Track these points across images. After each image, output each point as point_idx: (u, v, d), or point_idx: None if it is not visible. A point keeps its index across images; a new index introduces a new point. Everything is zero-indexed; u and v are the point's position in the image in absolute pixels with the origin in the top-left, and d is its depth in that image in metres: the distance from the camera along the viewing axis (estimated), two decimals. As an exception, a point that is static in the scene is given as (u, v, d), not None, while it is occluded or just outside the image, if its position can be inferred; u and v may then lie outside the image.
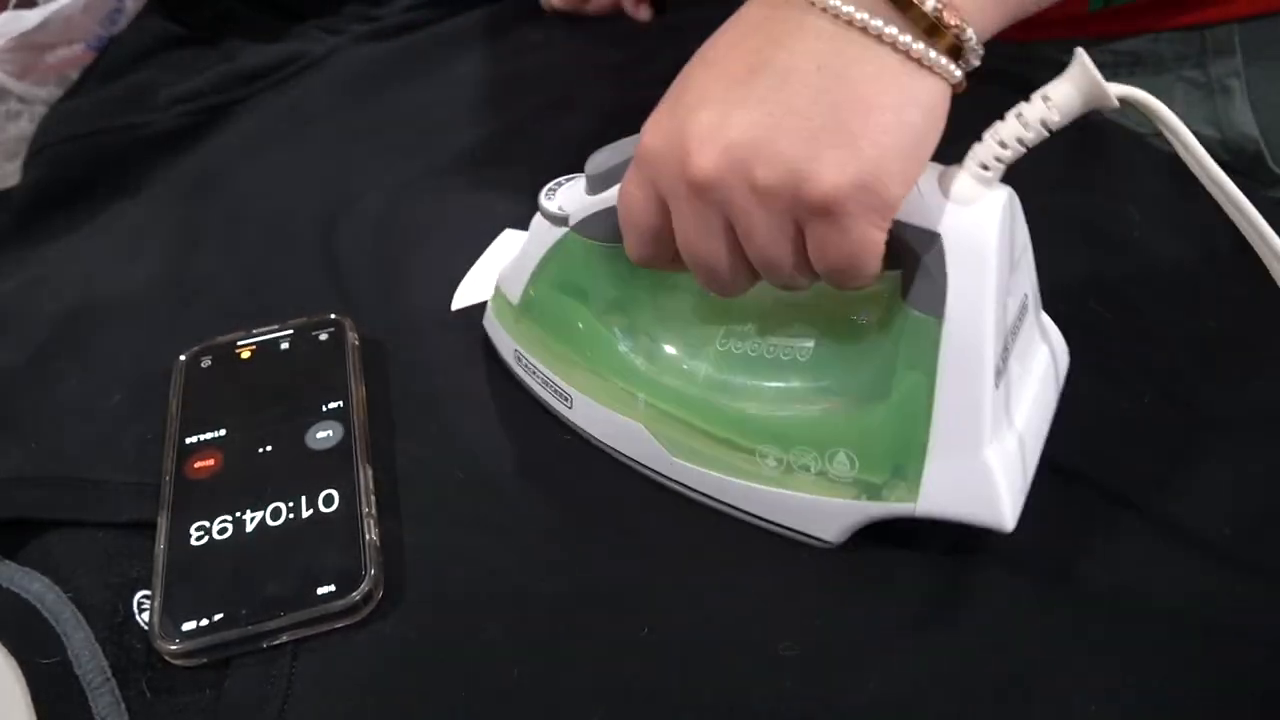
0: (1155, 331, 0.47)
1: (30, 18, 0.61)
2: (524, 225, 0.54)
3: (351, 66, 0.68)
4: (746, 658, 0.36)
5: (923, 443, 0.34)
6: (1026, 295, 0.36)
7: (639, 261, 0.36)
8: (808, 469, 0.37)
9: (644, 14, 0.71)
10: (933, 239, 0.32)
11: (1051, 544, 0.39)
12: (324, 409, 0.44)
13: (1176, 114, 0.30)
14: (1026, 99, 0.30)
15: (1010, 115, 0.31)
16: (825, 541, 0.38)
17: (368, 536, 0.38)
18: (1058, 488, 0.41)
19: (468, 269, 0.52)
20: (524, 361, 0.44)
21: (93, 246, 0.56)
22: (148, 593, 0.38)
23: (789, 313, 0.39)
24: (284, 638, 0.36)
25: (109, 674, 0.36)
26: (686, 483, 0.40)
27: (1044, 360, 0.38)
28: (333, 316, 0.48)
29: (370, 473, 0.41)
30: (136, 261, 0.55)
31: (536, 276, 0.43)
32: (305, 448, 0.42)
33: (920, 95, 0.30)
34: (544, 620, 0.37)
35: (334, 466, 0.41)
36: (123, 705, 0.35)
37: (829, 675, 0.35)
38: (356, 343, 0.47)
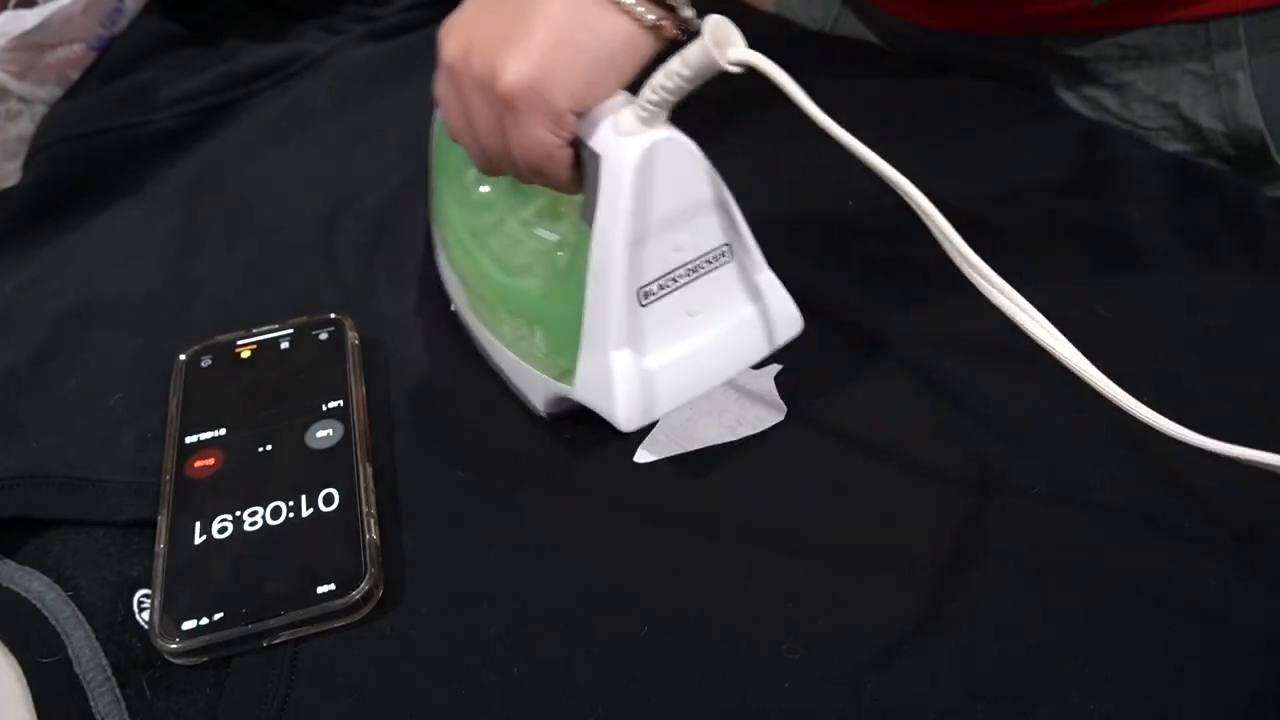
0: (1154, 331, 0.47)
1: (30, 18, 0.61)
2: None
3: (351, 66, 0.68)
4: (747, 658, 0.36)
5: (577, 335, 0.39)
6: (726, 247, 0.39)
7: (450, 136, 0.41)
8: (523, 339, 0.43)
9: None
10: (597, 159, 0.36)
11: (1051, 544, 0.39)
12: (324, 408, 0.44)
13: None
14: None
15: (662, 66, 0.34)
16: (537, 410, 0.44)
17: (368, 536, 0.38)
18: (1057, 487, 0.41)
19: (468, 269, 0.52)
20: (431, 222, 0.52)
21: (93, 246, 0.56)
22: (148, 592, 0.38)
23: (558, 210, 0.47)
24: (284, 637, 0.36)
25: (109, 673, 0.36)
26: (473, 331, 0.47)
27: (743, 314, 0.40)
28: (333, 316, 0.48)
29: (370, 472, 0.41)
30: (136, 261, 0.55)
31: (433, 148, 0.52)
32: (305, 447, 0.42)
33: (601, 27, 0.34)
34: (544, 620, 0.37)
35: (334, 466, 0.41)
36: (123, 704, 0.35)
37: (829, 676, 0.35)
38: (356, 342, 0.47)
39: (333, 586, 0.37)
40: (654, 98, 0.34)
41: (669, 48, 0.35)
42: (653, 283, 0.37)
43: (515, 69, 0.34)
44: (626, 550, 0.39)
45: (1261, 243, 0.51)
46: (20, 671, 0.36)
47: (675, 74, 0.34)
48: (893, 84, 0.64)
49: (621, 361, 0.38)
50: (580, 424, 0.42)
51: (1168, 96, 0.58)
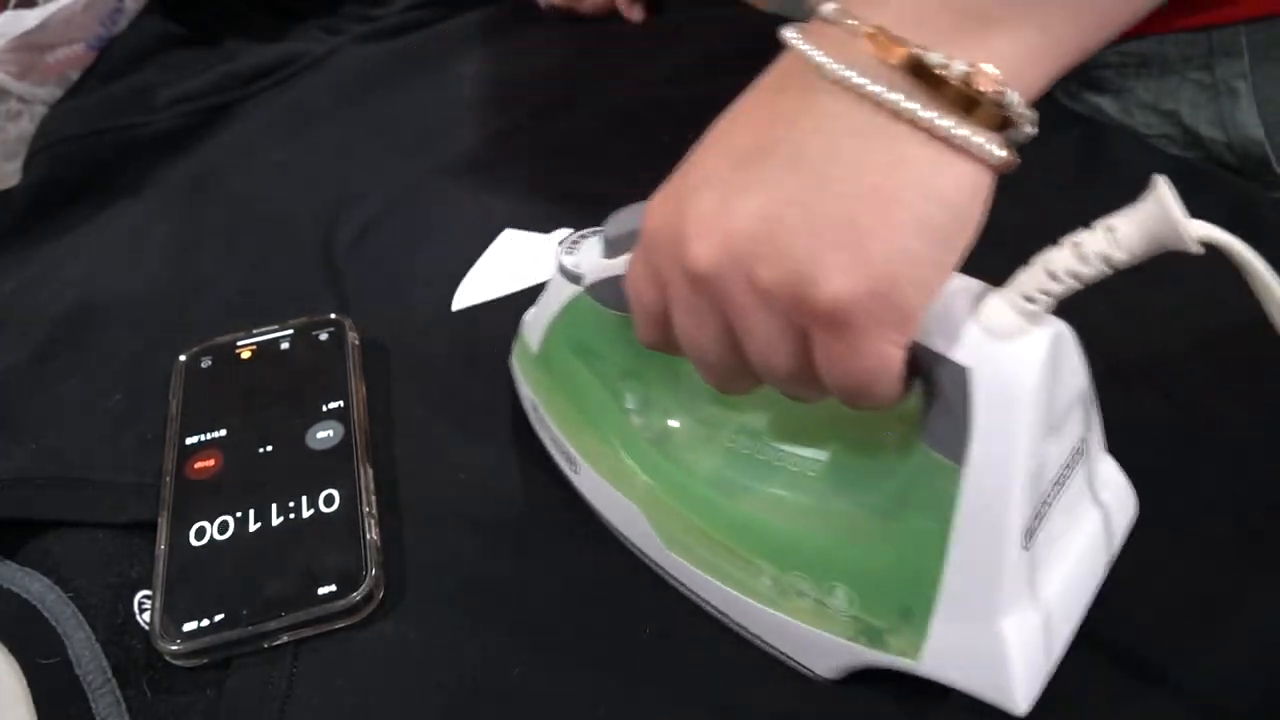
0: (1155, 331, 0.47)
1: (30, 18, 0.61)
2: (524, 225, 0.54)
3: (351, 66, 0.68)
4: (748, 659, 0.36)
5: (931, 597, 0.30)
6: (1081, 441, 0.31)
7: (645, 344, 0.33)
8: (804, 595, 0.33)
9: (637, 14, 0.71)
10: (958, 372, 0.27)
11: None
12: (324, 409, 0.44)
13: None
14: (1088, 226, 0.26)
15: (1066, 243, 0.26)
16: (819, 676, 0.35)
17: (368, 536, 0.38)
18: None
19: (468, 269, 0.52)
20: (538, 413, 0.42)
21: (93, 246, 0.56)
22: (148, 593, 0.38)
23: (806, 418, 0.35)
24: (284, 638, 0.36)
25: (110, 674, 0.36)
26: (680, 579, 0.37)
27: (1095, 518, 0.32)
28: (333, 316, 0.48)
29: (370, 473, 0.41)
30: (136, 261, 0.55)
31: (553, 330, 0.40)
32: (305, 448, 0.42)
33: (947, 185, 0.25)
34: (544, 620, 0.37)
35: (334, 466, 0.41)
36: (123, 705, 0.35)
37: (827, 683, 0.35)
38: (356, 343, 0.47)
39: (333, 587, 0.37)
40: (1055, 287, 0.26)
41: None
42: (1033, 517, 0.29)
43: (846, 274, 0.25)
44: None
45: (1263, 243, 0.51)
46: (20, 673, 0.36)
47: (1099, 257, 0.25)
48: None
49: (1016, 629, 0.29)
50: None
51: (1168, 104, 0.58)
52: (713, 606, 0.36)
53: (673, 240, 0.28)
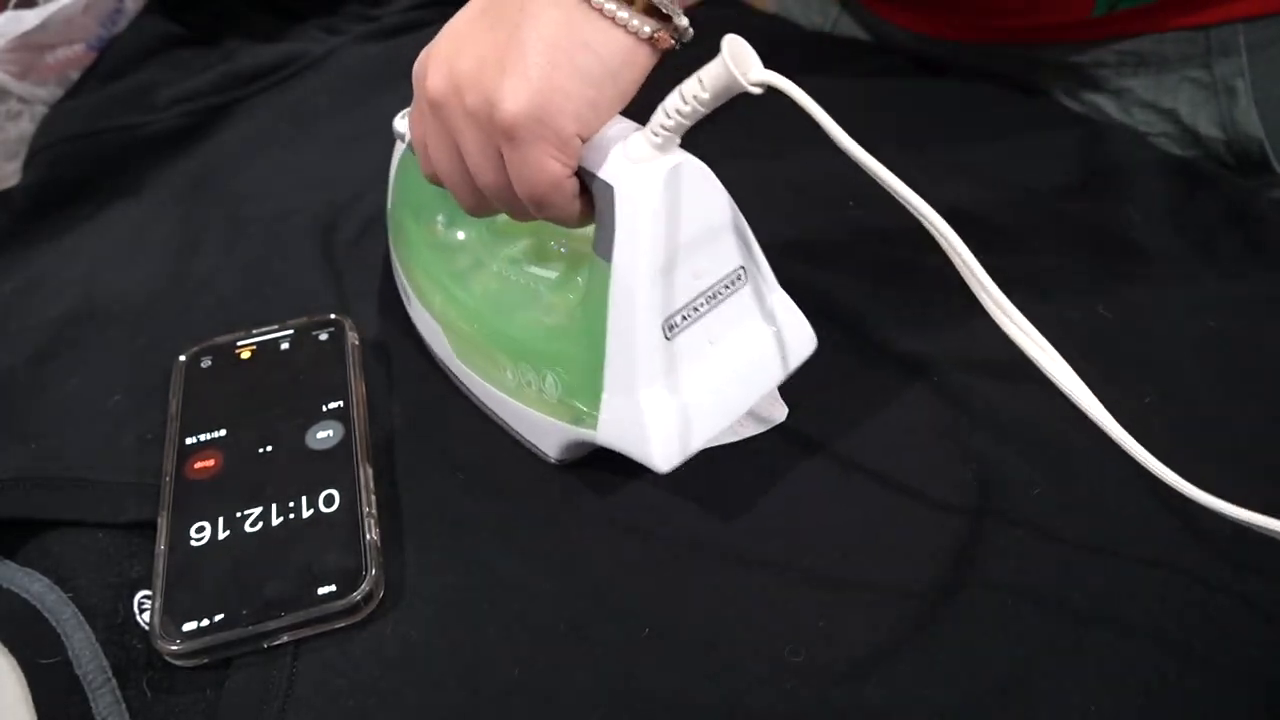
0: (1155, 332, 0.47)
1: (30, 18, 0.61)
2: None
3: (351, 66, 0.68)
4: (748, 660, 0.36)
5: (599, 376, 0.37)
6: (741, 270, 0.38)
7: (426, 177, 0.39)
8: (529, 385, 0.41)
9: None
10: (607, 189, 0.35)
11: (1052, 544, 0.39)
12: (324, 409, 0.44)
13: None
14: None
15: (676, 89, 0.33)
16: (549, 457, 0.42)
17: (368, 536, 0.38)
18: (1058, 488, 0.41)
19: (468, 269, 0.52)
20: (391, 259, 0.50)
21: (93, 246, 0.56)
22: (148, 593, 0.38)
23: (549, 247, 0.45)
24: (284, 638, 0.36)
25: (109, 674, 0.36)
26: (464, 383, 0.45)
27: (761, 337, 0.39)
28: (333, 316, 0.48)
29: (370, 473, 0.41)
30: (136, 261, 0.55)
31: (393, 189, 0.49)
32: (305, 448, 0.42)
33: (598, 44, 0.33)
34: (544, 620, 0.37)
35: (334, 466, 0.41)
36: (123, 705, 0.35)
37: (831, 678, 0.35)
38: (356, 343, 0.47)
39: (333, 587, 0.37)
40: (669, 122, 0.33)
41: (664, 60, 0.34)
42: (676, 314, 0.36)
43: (514, 96, 0.33)
44: (627, 550, 0.39)
45: (1263, 243, 0.51)
46: (20, 672, 0.36)
47: (692, 97, 0.32)
48: (893, 86, 0.64)
49: (653, 400, 0.36)
50: (591, 467, 0.42)
51: (1167, 103, 0.58)
52: (484, 405, 0.44)
53: (420, 76, 0.36)
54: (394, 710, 0.35)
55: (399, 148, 0.48)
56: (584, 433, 0.39)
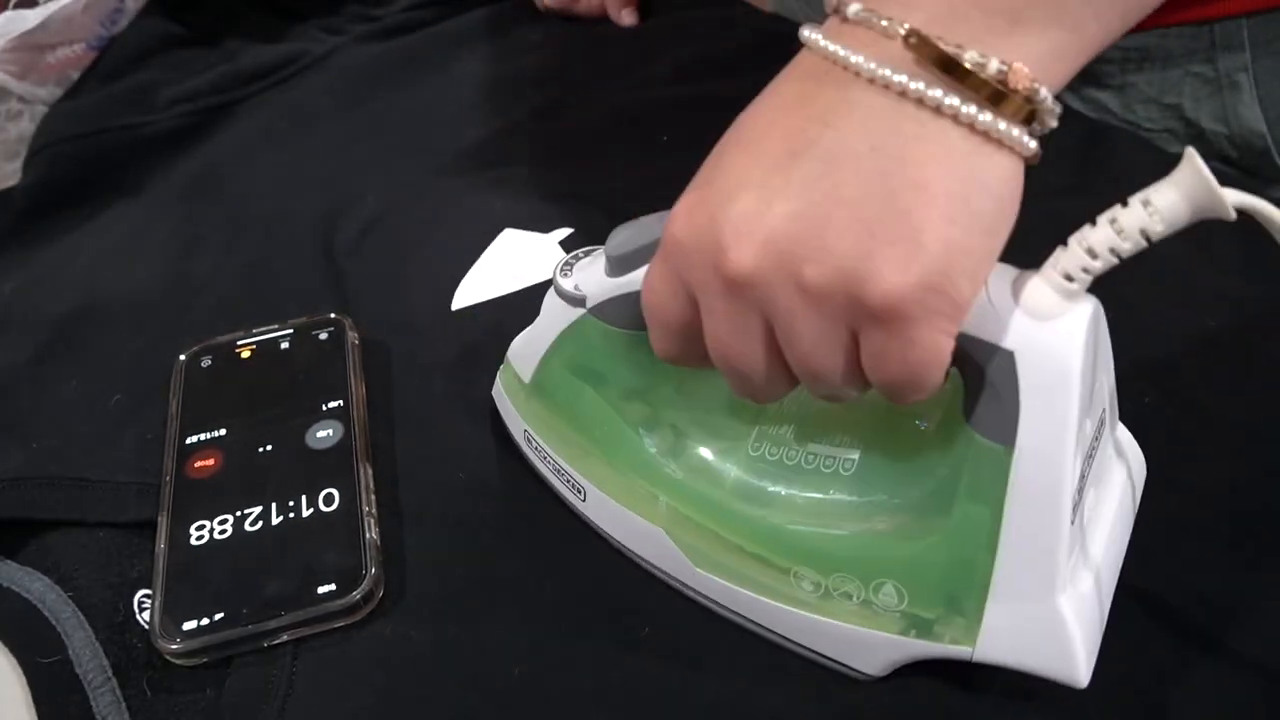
0: (1155, 331, 0.47)
1: (30, 18, 0.61)
2: (524, 225, 0.54)
3: (351, 66, 0.68)
4: (748, 659, 0.36)
5: (984, 582, 0.30)
6: (1105, 410, 0.31)
7: (665, 358, 0.32)
8: (849, 596, 0.32)
9: (628, 19, 0.71)
10: (1003, 357, 0.27)
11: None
12: (324, 408, 0.44)
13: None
14: (1124, 203, 0.26)
15: (1103, 220, 0.27)
16: (866, 675, 0.34)
17: (368, 536, 0.38)
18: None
19: (468, 269, 0.52)
20: (534, 444, 0.40)
21: (93, 246, 0.56)
22: (148, 592, 0.38)
23: (833, 417, 0.35)
24: (284, 637, 0.36)
25: (110, 673, 0.36)
26: (711, 596, 0.36)
27: (1121, 481, 0.33)
28: (333, 316, 0.48)
29: (370, 472, 0.41)
30: (136, 261, 0.55)
31: (550, 356, 0.38)
32: (305, 447, 0.42)
33: (990, 176, 0.26)
34: (544, 620, 0.37)
35: (334, 466, 0.41)
36: (123, 704, 0.35)
37: (831, 677, 0.35)
38: (356, 342, 0.47)
39: (333, 587, 0.37)
40: (1094, 264, 0.27)
41: None
42: (1077, 491, 0.29)
43: (901, 268, 0.25)
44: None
45: (1262, 242, 0.51)
46: (20, 671, 0.36)
47: (1136, 231, 0.26)
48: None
49: (1073, 604, 0.29)
50: None
51: (1170, 98, 0.58)
52: (747, 619, 0.36)
53: (707, 248, 0.27)
54: (394, 710, 0.35)
55: (560, 307, 0.37)
56: (939, 648, 0.31)
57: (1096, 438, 0.31)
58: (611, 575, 0.39)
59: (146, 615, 0.37)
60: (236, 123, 0.65)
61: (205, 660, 0.36)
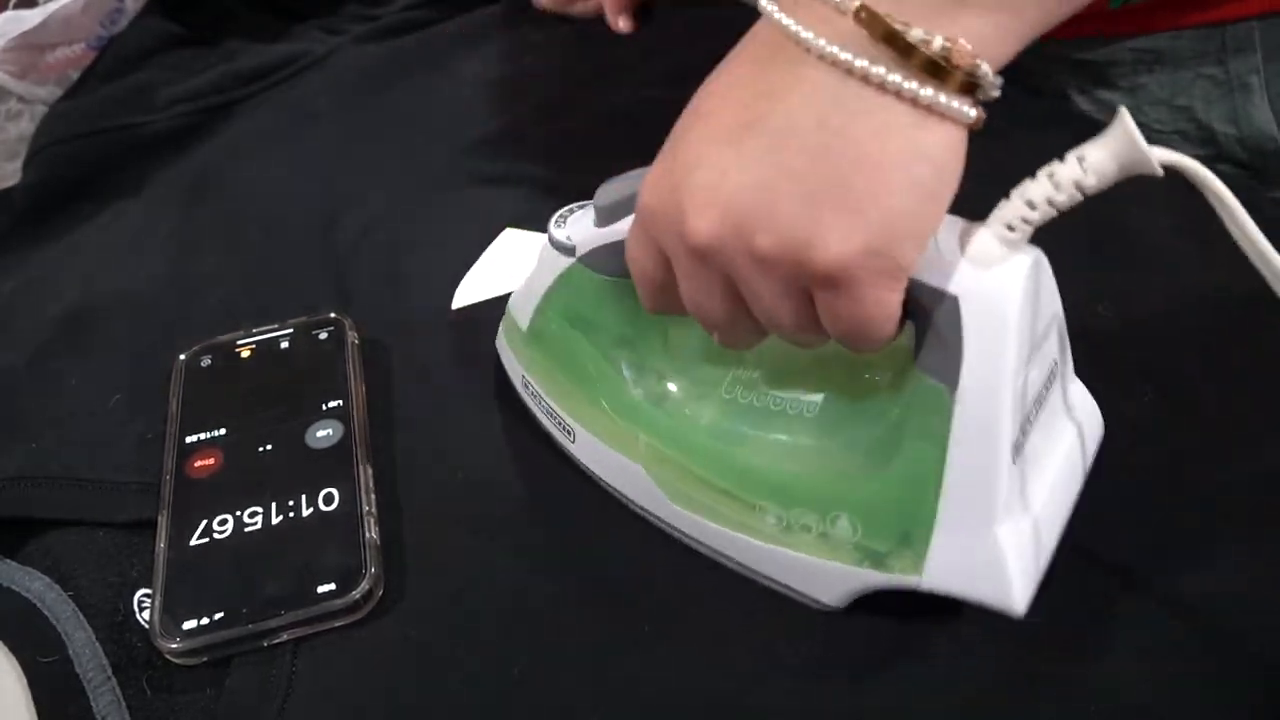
0: (1155, 331, 0.47)
1: (30, 18, 0.61)
2: (524, 225, 0.54)
3: (351, 66, 0.68)
4: (748, 659, 0.36)
5: (930, 515, 0.32)
6: (1055, 363, 0.33)
7: (650, 310, 0.35)
8: (808, 529, 0.35)
9: (624, 25, 0.71)
10: (949, 301, 0.29)
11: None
12: (324, 408, 0.44)
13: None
14: (1061, 159, 0.28)
15: (1041, 174, 0.28)
16: (825, 605, 0.36)
17: (368, 535, 0.38)
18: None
19: (468, 269, 0.52)
20: (530, 389, 0.43)
21: (93, 246, 0.56)
22: (148, 591, 0.38)
23: (800, 364, 0.37)
24: (284, 636, 0.36)
25: (110, 672, 0.36)
26: (685, 530, 0.39)
27: (1071, 435, 0.35)
28: (333, 316, 0.48)
29: (370, 472, 0.41)
30: (136, 261, 0.55)
31: (544, 305, 0.41)
32: (305, 447, 0.42)
33: (931, 146, 0.27)
34: (544, 620, 0.37)
35: (334, 465, 0.41)
36: (123, 704, 0.35)
37: (830, 676, 0.35)
38: (356, 342, 0.47)
39: (333, 586, 0.37)
40: (1032, 215, 0.28)
41: None
42: (1020, 433, 0.31)
43: (844, 236, 0.27)
44: (626, 549, 0.39)
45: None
46: (20, 671, 0.36)
47: (1071, 183, 0.28)
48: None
49: (1009, 536, 0.31)
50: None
51: (1181, 100, 0.58)
52: (717, 552, 0.38)
53: (671, 217, 0.30)
54: (394, 709, 0.35)
55: (553, 257, 0.40)
56: (891, 577, 0.33)
57: (1046, 387, 0.33)
58: (612, 574, 0.39)
59: (146, 615, 0.37)
60: (236, 123, 0.65)
61: (205, 660, 0.36)
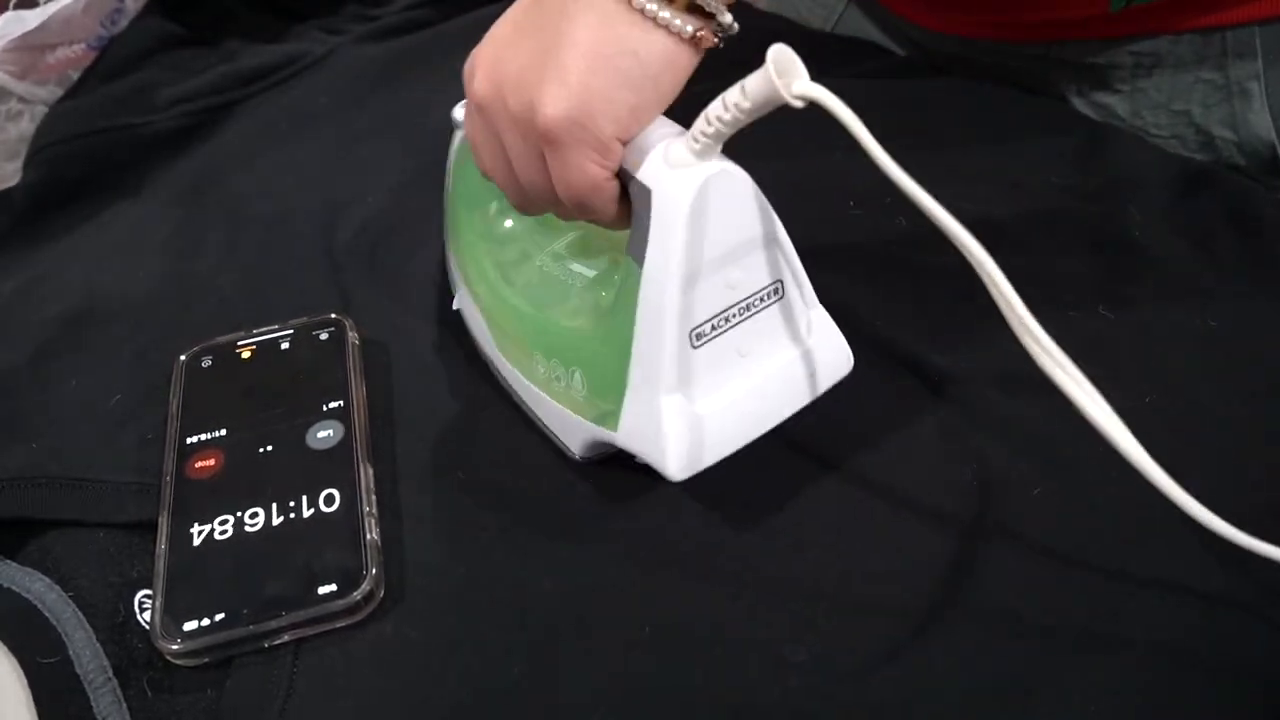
0: (1155, 331, 0.47)
1: (30, 18, 0.61)
2: (523, 225, 0.54)
3: (351, 66, 0.68)
4: (749, 659, 0.36)
5: (624, 377, 0.37)
6: (778, 284, 0.37)
7: (481, 171, 0.40)
8: (559, 380, 0.40)
9: None
10: (644, 192, 0.34)
11: (1053, 543, 0.39)
12: (324, 408, 0.44)
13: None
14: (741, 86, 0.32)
15: (720, 97, 0.32)
16: (572, 454, 0.42)
17: (368, 536, 0.38)
18: (1059, 489, 0.41)
19: (468, 269, 0.52)
20: (446, 253, 0.50)
21: (93, 246, 0.56)
22: (149, 592, 0.38)
23: (593, 244, 0.45)
24: (285, 637, 0.36)
25: (110, 673, 0.36)
26: (500, 374, 0.45)
27: (792, 354, 0.38)
28: (333, 316, 0.48)
29: (371, 472, 0.41)
30: (136, 261, 0.55)
31: (451, 177, 0.48)
32: (306, 447, 0.42)
33: (638, 46, 0.32)
34: (544, 620, 0.37)
35: (334, 466, 0.41)
36: (124, 705, 0.35)
37: (832, 677, 0.35)
38: (356, 342, 0.47)
39: (333, 587, 0.37)
40: (709, 129, 0.33)
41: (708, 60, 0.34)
42: (705, 323, 0.36)
43: (554, 102, 0.33)
44: (627, 550, 0.39)
45: (1263, 241, 0.51)
46: (21, 672, 0.36)
47: (734, 105, 0.31)
48: (895, 85, 0.64)
49: (672, 407, 0.36)
50: (614, 468, 0.41)
51: (1179, 104, 0.58)
52: (518, 396, 0.44)
53: (468, 76, 0.37)
54: (394, 710, 0.35)
55: (457, 136, 0.47)
56: (606, 433, 0.38)
57: (762, 300, 0.37)
58: (612, 575, 0.39)
59: (147, 615, 0.37)
60: (236, 123, 0.65)
61: (206, 660, 0.36)
